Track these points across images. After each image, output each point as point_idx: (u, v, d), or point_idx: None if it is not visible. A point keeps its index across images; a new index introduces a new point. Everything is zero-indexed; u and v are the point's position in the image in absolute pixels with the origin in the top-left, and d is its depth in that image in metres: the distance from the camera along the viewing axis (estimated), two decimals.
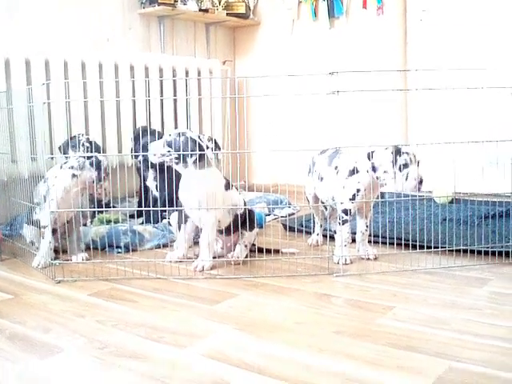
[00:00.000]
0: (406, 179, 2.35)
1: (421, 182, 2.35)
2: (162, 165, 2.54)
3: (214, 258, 2.51)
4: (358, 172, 2.45)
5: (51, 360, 1.57)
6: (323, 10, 4.45)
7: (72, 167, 2.54)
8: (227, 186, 2.51)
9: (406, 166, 2.35)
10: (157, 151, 2.43)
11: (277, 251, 2.61)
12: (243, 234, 2.53)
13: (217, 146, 2.83)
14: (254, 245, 2.63)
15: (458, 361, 1.49)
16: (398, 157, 2.36)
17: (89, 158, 2.56)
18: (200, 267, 2.42)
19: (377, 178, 2.42)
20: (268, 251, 2.50)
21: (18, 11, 3.52)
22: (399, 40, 4.25)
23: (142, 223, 3.10)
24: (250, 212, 2.61)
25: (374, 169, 2.41)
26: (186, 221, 2.54)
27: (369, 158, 2.42)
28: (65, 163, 2.58)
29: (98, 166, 2.55)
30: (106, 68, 3.74)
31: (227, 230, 2.54)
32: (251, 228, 2.57)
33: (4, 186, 3.05)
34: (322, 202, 2.77)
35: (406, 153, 2.37)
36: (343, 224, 2.47)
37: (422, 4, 4.18)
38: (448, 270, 2.34)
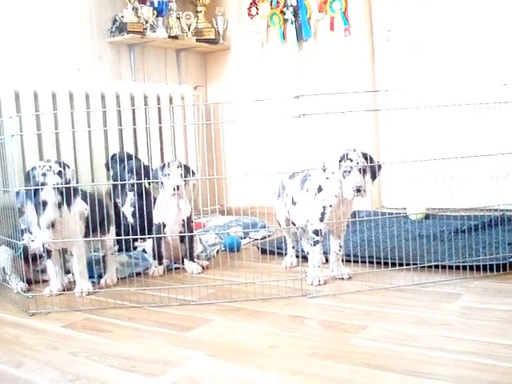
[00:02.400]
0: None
1: (358, 190, 2.33)
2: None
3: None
4: (321, 190, 2.47)
5: None
6: (291, 33, 4.50)
7: None
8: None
9: (347, 172, 2.36)
10: None
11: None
12: None
13: (188, 172, 2.84)
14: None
15: (429, 377, 1.50)
16: (342, 162, 2.37)
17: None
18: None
19: (327, 178, 2.42)
20: None
21: None
22: (367, 60, 4.30)
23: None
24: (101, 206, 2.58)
25: (324, 171, 2.42)
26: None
27: (324, 171, 2.44)
28: None
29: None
30: (77, 97, 3.74)
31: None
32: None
33: None
34: (294, 224, 2.75)
35: (350, 159, 2.37)
36: (315, 245, 2.48)
37: (387, 24, 4.25)
38: (421, 287, 2.36)
